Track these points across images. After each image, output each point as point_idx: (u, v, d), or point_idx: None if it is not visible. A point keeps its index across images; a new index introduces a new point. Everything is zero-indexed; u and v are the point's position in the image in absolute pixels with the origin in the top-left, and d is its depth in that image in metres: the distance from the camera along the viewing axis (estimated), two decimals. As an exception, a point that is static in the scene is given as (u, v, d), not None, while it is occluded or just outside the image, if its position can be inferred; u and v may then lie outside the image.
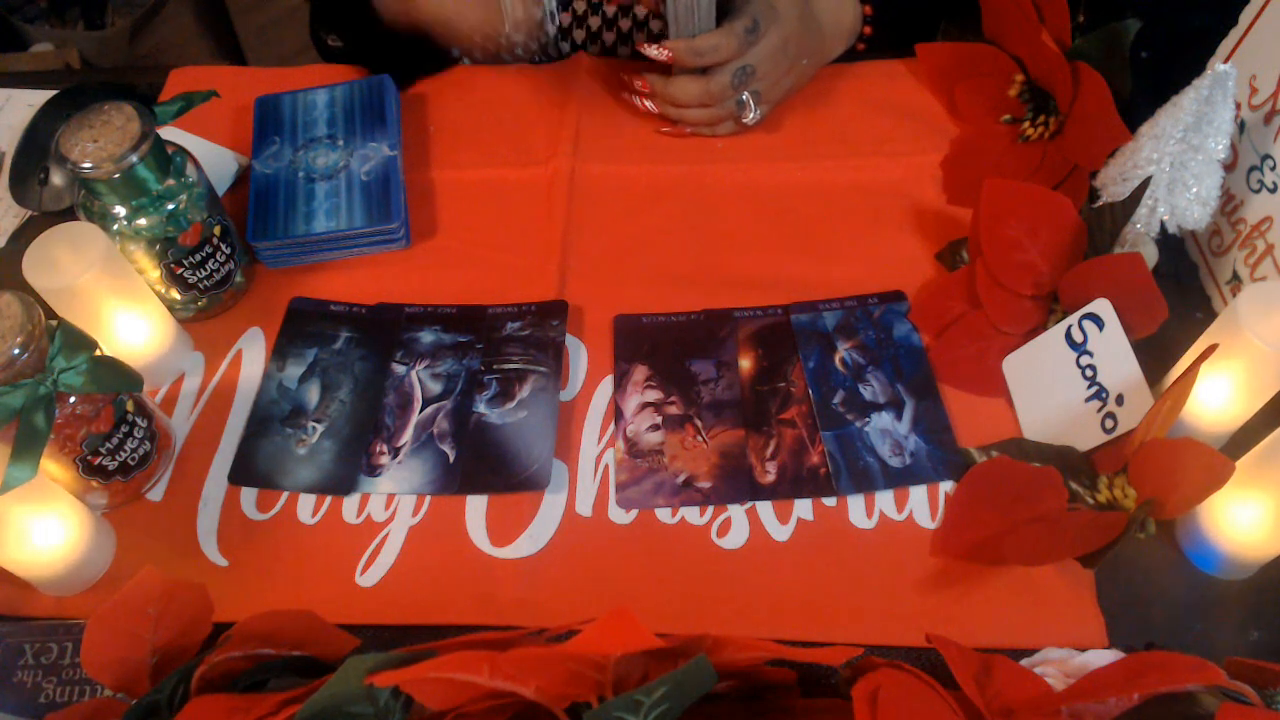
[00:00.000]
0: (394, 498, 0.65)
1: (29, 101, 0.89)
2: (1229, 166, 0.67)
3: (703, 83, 0.78)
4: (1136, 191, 0.65)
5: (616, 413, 0.69)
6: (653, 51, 0.77)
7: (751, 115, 0.81)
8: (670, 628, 0.48)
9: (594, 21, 0.88)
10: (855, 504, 0.64)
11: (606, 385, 0.70)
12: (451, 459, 0.66)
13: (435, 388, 0.70)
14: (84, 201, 0.67)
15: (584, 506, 0.65)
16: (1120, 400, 0.61)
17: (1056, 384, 0.65)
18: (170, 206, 0.67)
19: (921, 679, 0.44)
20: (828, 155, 0.83)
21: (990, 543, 0.59)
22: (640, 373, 0.70)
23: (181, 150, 0.69)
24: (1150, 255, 0.68)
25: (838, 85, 0.87)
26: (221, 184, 0.83)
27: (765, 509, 0.64)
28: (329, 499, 0.65)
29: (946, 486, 0.64)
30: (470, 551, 0.63)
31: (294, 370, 0.71)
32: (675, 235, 0.78)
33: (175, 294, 0.72)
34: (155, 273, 0.70)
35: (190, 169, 0.68)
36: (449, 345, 0.72)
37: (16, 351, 0.54)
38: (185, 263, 0.70)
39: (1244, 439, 0.60)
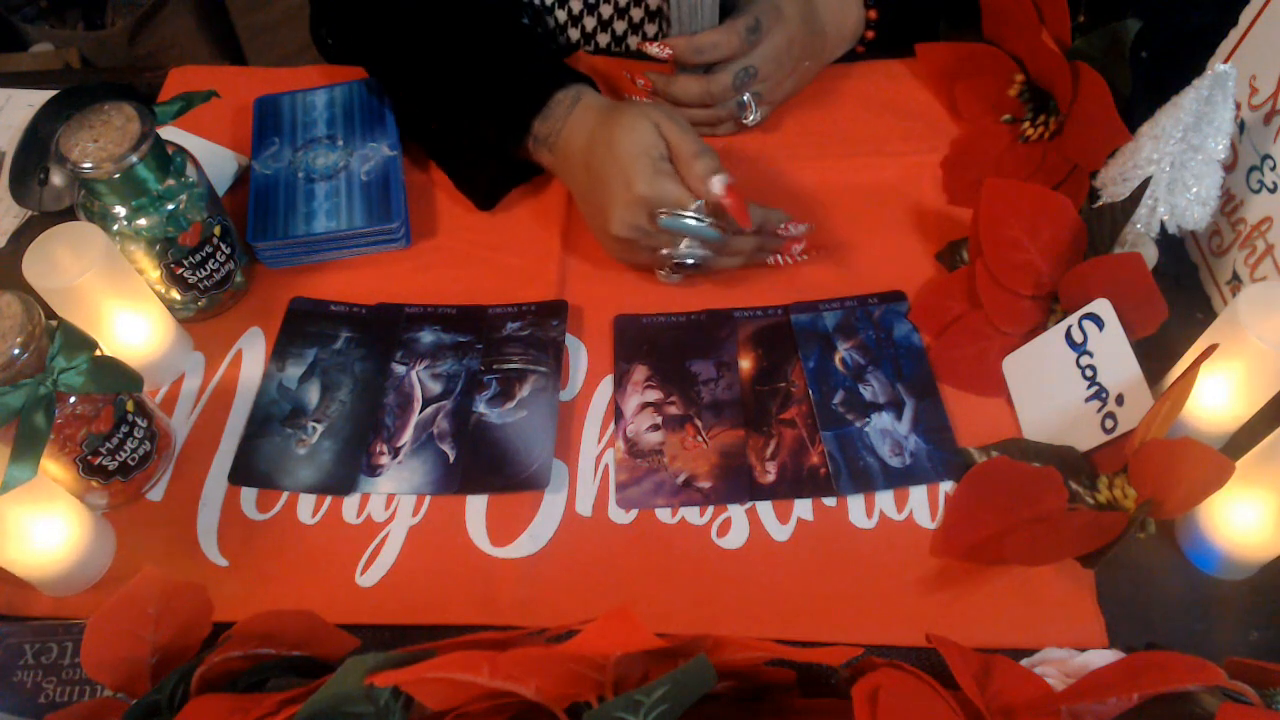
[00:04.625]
0: (394, 498, 0.65)
1: (29, 101, 0.89)
2: (1229, 166, 0.67)
3: (704, 83, 0.78)
4: (1136, 191, 0.65)
5: (616, 413, 0.69)
6: (654, 49, 0.77)
7: (752, 116, 0.81)
8: (670, 628, 0.48)
9: (589, 21, 0.88)
10: (855, 504, 0.64)
11: (606, 385, 0.70)
12: (451, 459, 0.66)
13: (435, 388, 0.70)
14: (84, 201, 0.67)
15: (584, 506, 0.65)
16: (1120, 400, 0.61)
17: (1056, 384, 0.65)
18: (170, 206, 0.67)
19: (921, 679, 0.44)
20: (828, 155, 0.83)
21: (990, 543, 0.59)
22: (640, 373, 0.70)
23: (181, 150, 0.69)
24: (1150, 255, 0.68)
25: (838, 85, 0.87)
26: (221, 184, 0.83)
27: (765, 509, 0.64)
28: (329, 499, 0.65)
29: (946, 486, 0.64)
30: (470, 551, 0.63)
31: (294, 370, 0.71)
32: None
33: (175, 294, 0.72)
34: (155, 273, 0.70)
35: (190, 169, 0.68)
36: (449, 345, 0.72)
37: (16, 351, 0.54)
38: (185, 263, 0.70)
39: (1244, 439, 0.60)
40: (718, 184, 0.67)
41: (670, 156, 0.69)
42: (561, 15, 0.88)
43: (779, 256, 0.74)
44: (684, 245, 0.69)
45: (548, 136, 0.74)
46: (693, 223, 0.68)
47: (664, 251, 0.70)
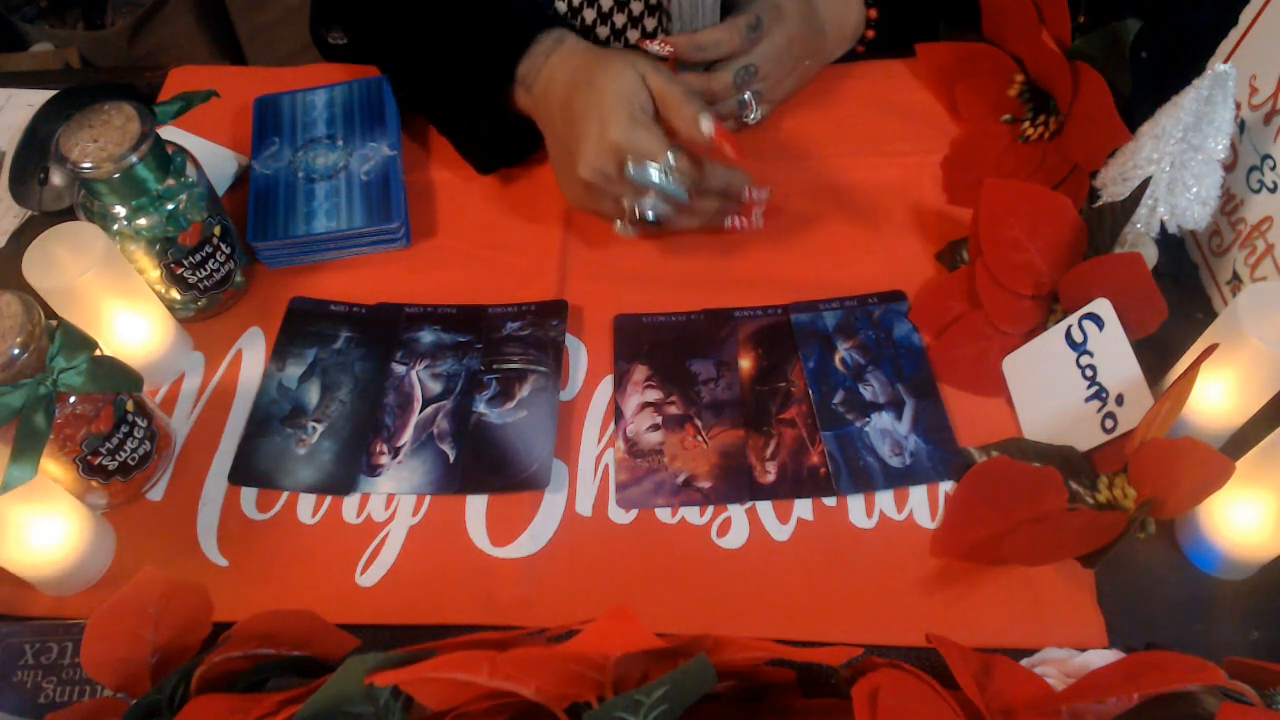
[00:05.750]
0: (394, 498, 0.65)
1: (29, 101, 0.89)
2: (1229, 166, 0.67)
3: (705, 80, 0.78)
4: (1136, 191, 0.65)
5: (616, 412, 0.69)
6: (655, 46, 0.77)
7: (753, 115, 0.81)
8: (670, 628, 0.48)
9: (589, 14, 0.88)
10: (855, 504, 0.64)
11: (606, 385, 0.70)
12: (451, 459, 0.66)
13: (435, 388, 0.70)
14: (84, 201, 0.67)
15: (584, 506, 0.65)
16: (1120, 400, 0.61)
17: (1056, 384, 0.65)
18: (170, 206, 0.67)
19: (921, 679, 0.44)
20: (828, 155, 0.83)
21: (990, 543, 0.59)
22: (640, 372, 0.70)
23: (181, 150, 0.69)
24: (1150, 255, 0.68)
25: (838, 85, 0.87)
26: (221, 184, 0.83)
27: (765, 509, 0.64)
28: (329, 499, 0.65)
29: (946, 486, 0.64)
30: (470, 551, 0.63)
31: (294, 370, 0.71)
32: (675, 235, 0.78)
33: (175, 294, 0.72)
34: (155, 273, 0.70)
35: (190, 169, 0.68)
36: (449, 345, 0.72)
37: (16, 351, 0.54)
38: (185, 263, 0.70)
39: (1244, 439, 0.60)
40: (706, 124, 0.67)
41: (655, 105, 0.70)
42: (561, 7, 0.88)
43: (738, 220, 0.74)
44: (647, 199, 0.69)
45: (526, 76, 0.74)
46: (659, 178, 0.68)
47: (625, 202, 0.70)
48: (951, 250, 0.75)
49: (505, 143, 0.80)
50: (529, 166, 0.82)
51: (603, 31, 0.89)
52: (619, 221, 0.72)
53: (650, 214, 0.70)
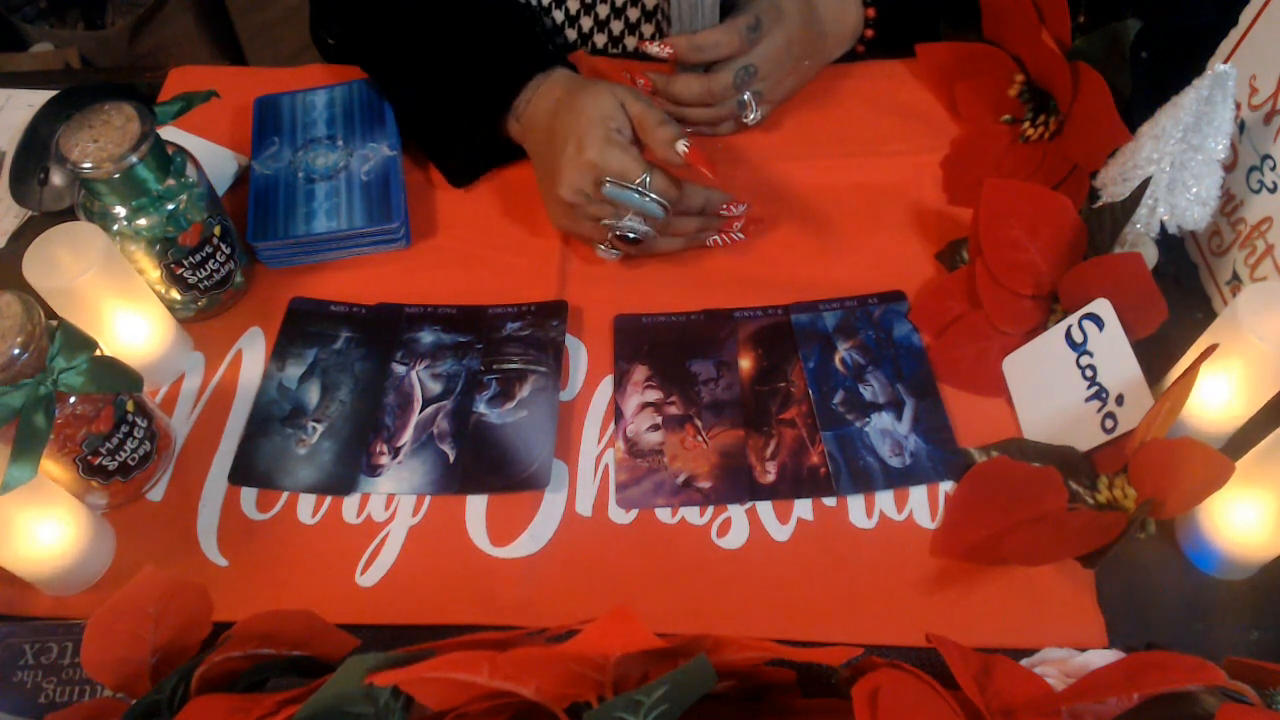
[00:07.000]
0: (394, 498, 0.65)
1: (29, 101, 0.89)
2: (1229, 166, 0.67)
3: (704, 81, 0.78)
4: (1136, 191, 0.65)
5: (616, 413, 0.69)
6: (654, 48, 0.77)
7: (753, 115, 0.81)
8: (670, 628, 0.48)
9: (586, 22, 0.88)
10: (855, 504, 0.64)
11: (606, 385, 0.70)
12: (451, 459, 0.66)
13: (435, 388, 0.70)
14: (84, 201, 0.67)
15: (584, 506, 0.65)
16: (1120, 400, 0.61)
17: (1056, 384, 0.65)
18: (170, 206, 0.67)
19: (921, 679, 0.44)
20: (828, 155, 0.83)
21: (990, 543, 0.59)
22: (640, 373, 0.70)
23: (181, 150, 0.69)
24: (1150, 255, 0.68)
25: (838, 85, 0.87)
26: (221, 184, 0.83)
27: (765, 509, 0.64)
28: (329, 499, 0.65)
29: (946, 486, 0.64)
30: (470, 551, 0.63)
31: (294, 370, 0.71)
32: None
33: (175, 294, 0.72)
34: (155, 273, 0.70)
35: (190, 169, 0.68)
36: (449, 345, 0.72)
37: (16, 351, 0.54)
38: (185, 263, 0.70)
39: (1244, 439, 0.60)
40: (682, 145, 0.69)
41: (634, 130, 0.71)
42: (559, 16, 0.88)
43: (719, 237, 0.76)
44: (627, 218, 0.70)
45: (516, 106, 0.77)
46: (636, 196, 0.69)
47: (605, 221, 0.71)
48: (951, 250, 0.75)
49: (487, 163, 0.82)
50: (529, 168, 0.82)
51: (600, 39, 0.89)
52: (601, 245, 0.74)
53: (630, 233, 0.71)
